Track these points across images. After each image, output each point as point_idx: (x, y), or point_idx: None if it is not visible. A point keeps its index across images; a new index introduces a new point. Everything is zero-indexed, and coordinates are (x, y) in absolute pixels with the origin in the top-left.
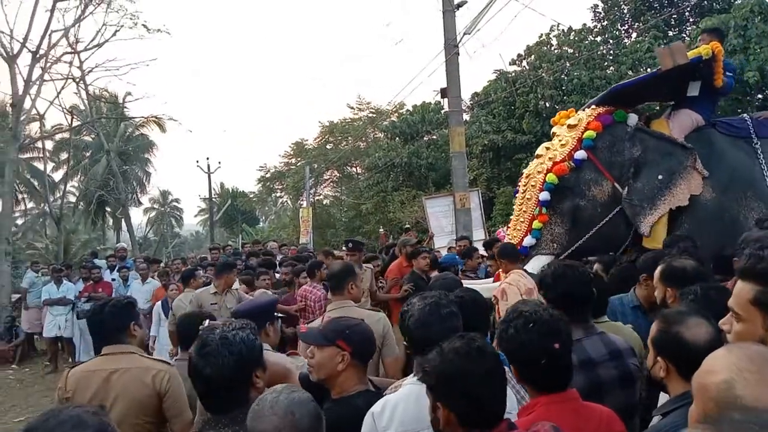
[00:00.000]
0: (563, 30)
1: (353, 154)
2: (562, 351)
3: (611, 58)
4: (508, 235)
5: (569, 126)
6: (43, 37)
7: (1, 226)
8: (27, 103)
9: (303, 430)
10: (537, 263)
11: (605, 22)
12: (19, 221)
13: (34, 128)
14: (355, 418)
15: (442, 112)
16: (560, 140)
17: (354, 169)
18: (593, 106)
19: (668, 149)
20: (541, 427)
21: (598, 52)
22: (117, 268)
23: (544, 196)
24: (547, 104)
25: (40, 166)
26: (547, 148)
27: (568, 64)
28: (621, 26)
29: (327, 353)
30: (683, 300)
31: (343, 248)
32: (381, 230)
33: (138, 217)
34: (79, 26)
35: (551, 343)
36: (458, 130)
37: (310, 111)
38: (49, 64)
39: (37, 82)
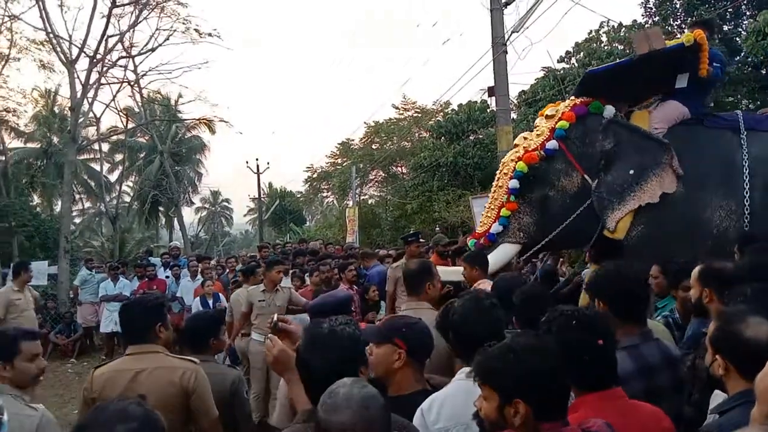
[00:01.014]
0: (613, 26)
1: (398, 153)
2: (605, 348)
3: None
4: (481, 222)
5: (547, 116)
6: (99, 43)
7: (60, 225)
8: (85, 107)
9: (376, 424)
10: (502, 251)
11: (657, 18)
12: (77, 220)
13: (90, 131)
14: (409, 418)
15: (489, 110)
16: (537, 130)
17: (399, 168)
18: (573, 97)
19: (642, 144)
20: (593, 423)
21: None
22: (170, 266)
23: (513, 183)
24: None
25: (96, 167)
26: (525, 138)
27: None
28: (673, 21)
29: (383, 351)
30: (731, 300)
31: (403, 244)
32: (437, 230)
33: (189, 216)
34: (133, 31)
35: (594, 340)
36: (506, 129)
37: (355, 111)
38: (105, 69)
39: (94, 86)
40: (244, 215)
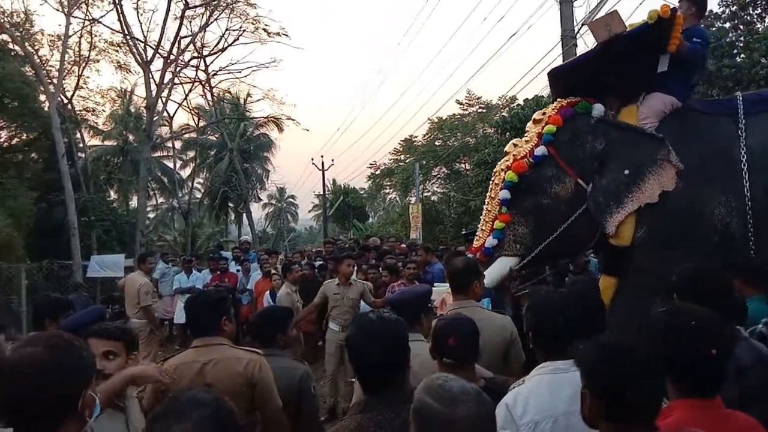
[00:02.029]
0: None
1: (462, 150)
2: (718, 357)
3: (741, 45)
4: (476, 236)
5: (535, 121)
6: (173, 44)
7: (136, 219)
8: (159, 106)
9: (491, 418)
10: (500, 265)
11: (734, 7)
12: (151, 215)
13: (164, 129)
14: None
15: None
16: (526, 136)
17: (463, 165)
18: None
19: (635, 141)
20: None
21: (727, 40)
22: (240, 260)
23: (504, 194)
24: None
25: (169, 164)
26: (515, 145)
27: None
28: (753, 10)
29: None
30: None
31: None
32: None
33: (257, 212)
34: (204, 32)
35: (708, 349)
36: None
37: (419, 108)
38: (178, 69)
39: (168, 86)
40: (309, 211)
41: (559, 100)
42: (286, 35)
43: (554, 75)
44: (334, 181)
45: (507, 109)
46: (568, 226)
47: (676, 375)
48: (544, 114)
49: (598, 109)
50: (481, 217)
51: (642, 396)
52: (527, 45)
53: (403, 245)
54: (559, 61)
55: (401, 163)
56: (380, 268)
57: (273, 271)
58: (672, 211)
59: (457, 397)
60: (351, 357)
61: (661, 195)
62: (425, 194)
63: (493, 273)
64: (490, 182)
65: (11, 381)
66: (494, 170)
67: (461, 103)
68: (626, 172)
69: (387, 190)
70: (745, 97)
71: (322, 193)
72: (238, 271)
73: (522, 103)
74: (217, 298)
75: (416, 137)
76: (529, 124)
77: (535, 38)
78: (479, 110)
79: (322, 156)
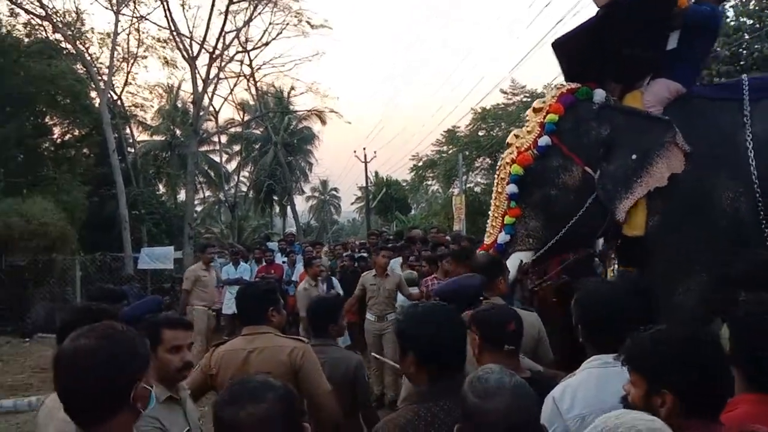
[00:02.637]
0: (742, 0)
1: (506, 140)
2: None
3: None
4: (486, 233)
5: (534, 110)
6: (218, 39)
7: (184, 212)
8: (205, 101)
9: (527, 413)
10: (515, 261)
11: None
12: (198, 208)
13: (209, 124)
14: None
15: None
16: (527, 127)
17: None
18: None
19: (641, 125)
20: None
21: None
22: (286, 251)
23: (511, 188)
24: (723, 80)
25: (215, 158)
26: (516, 136)
27: (746, 37)
28: None
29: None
30: None
31: None
32: None
33: (300, 205)
34: (248, 26)
35: None
36: None
37: (462, 98)
38: (223, 64)
39: (214, 81)
40: (351, 203)
41: (558, 86)
42: (329, 27)
43: (556, 45)
44: (376, 173)
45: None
46: (580, 217)
47: (749, 368)
48: (544, 102)
49: (599, 94)
50: (490, 213)
51: (723, 389)
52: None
53: (447, 237)
54: None
55: (444, 155)
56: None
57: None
58: (683, 196)
59: (491, 389)
60: (407, 345)
61: (671, 178)
62: (468, 185)
63: (510, 269)
64: (496, 176)
65: (65, 371)
66: (498, 164)
67: (505, 93)
68: (634, 156)
69: (429, 182)
70: (751, 82)
71: (364, 185)
72: (283, 262)
73: None
74: (265, 290)
75: (459, 128)
76: (529, 112)
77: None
78: (524, 99)
79: (364, 148)
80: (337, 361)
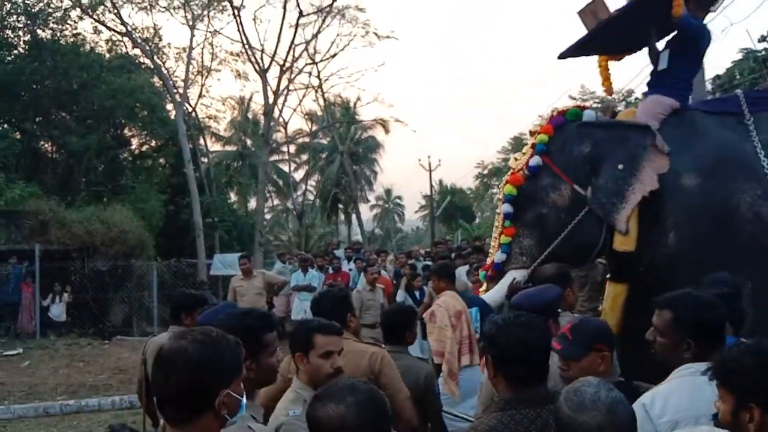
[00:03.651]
0: None
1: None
2: None
3: None
4: (489, 252)
5: (531, 133)
6: (288, 52)
7: (255, 220)
8: (275, 112)
9: (625, 429)
10: (509, 279)
11: None
12: (267, 216)
13: (279, 134)
14: None
15: None
16: (524, 149)
17: None
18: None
19: (621, 135)
20: None
21: None
22: (353, 259)
23: (506, 208)
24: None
25: (284, 167)
26: (516, 159)
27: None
28: None
29: (587, 363)
30: None
31: None
32: None
33: (365, 213)
34: (317, 39)
35: None
36: None
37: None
38: (293, 76)
39: (284, 93)
40: (415, 212)
41: (553, 109)
42: (395, 38)
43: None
44: (440, 181)
45: (624, 103)
46: (571, 233)
47: None
48: (539, 126)
49: (588, 114)
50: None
51: None
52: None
53: None
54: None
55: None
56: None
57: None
58: (702, 210)
59: (585, 403)
60: (492, 353)
61: (671, 188)
62: None
63: (501, 287)
64: (497, 198)
65: (156, 367)
66: (500, 185)
67: (574, 99)
68: (620, 167)
69: (494, 190)
70: (747, 95)
71: (428, 193)
72: (350, 270)
73: (640, 96)
74: (342, 296)
75: (526, 135)
76: (528, 136)
77: None
78: (593, 105)
79: (429, 156)
80: (408, 369)
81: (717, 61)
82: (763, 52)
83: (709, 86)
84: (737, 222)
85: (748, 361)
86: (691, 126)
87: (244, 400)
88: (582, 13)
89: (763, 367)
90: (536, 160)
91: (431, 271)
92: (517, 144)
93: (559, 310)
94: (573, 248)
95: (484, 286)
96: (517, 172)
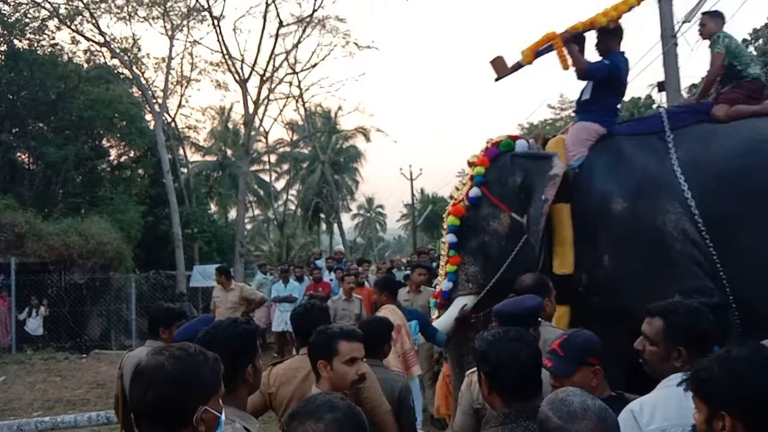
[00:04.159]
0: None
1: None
2: None
3: None
4: (437, 281)
5: (469, 163)
6: (268, 62)
7: (235, 231)
8: (255, 122)
9: None
10: (458, 305)
11: None
12: (248, 226)
13: (259, 144)
14: None
15: (655, 106)
16: (463, 180)
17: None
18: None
19: (544, 166)
20: None
21: None
22: (334, 269)
23: (450, 238)
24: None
25: (264, 177)
26: (457, 189)
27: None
28: None
29: (579, 378)
30: None
31: None
32: None
33: (346, 222)
34: (297, 49)
35: None
36: None
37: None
38: (273, 86)
39: (264, 103)
40: (397, 221)
41: (487, 140)
42: (376, 48)
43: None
44: (422, 190)
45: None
46: (513, 260)
47: None
48: (476, 156)
49: (520, 145)
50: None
51: (765, 413)
52: (624, 46)
53: None
54: (659, 62)
55: None
56: None
57: (365, 282)
58: (632, 233)
59: (576, 412)
60: (484, 368)
61: (603, 215)
62: None
63: (450, 313)
64: (441, 228)
65: (133, 383)
66: (443, 216)
67: (553, 107)
68: (543, 197)
69: None
70: (669, 112)
71: (410, 202)
72: (331, 280)
73: (619, 106)
74: (320, 309)
75: None
76: (467, 167)
77: (633, 38)
78: (572, 114)
79: (410, 165)
80: (384, 382)
81: (692, 70)
82: None
83: (685, 95)
84: (667, 240)
85: (718, 369)
86: (616, 150)
87: (223, 416)
88: (493, 63)
89: (731, 375)
90: (475, 191)
91: (374, 284)
92: None
93: (540, 319)
94: (515, 273)
95: (435, 314)
96: (458, 203)
